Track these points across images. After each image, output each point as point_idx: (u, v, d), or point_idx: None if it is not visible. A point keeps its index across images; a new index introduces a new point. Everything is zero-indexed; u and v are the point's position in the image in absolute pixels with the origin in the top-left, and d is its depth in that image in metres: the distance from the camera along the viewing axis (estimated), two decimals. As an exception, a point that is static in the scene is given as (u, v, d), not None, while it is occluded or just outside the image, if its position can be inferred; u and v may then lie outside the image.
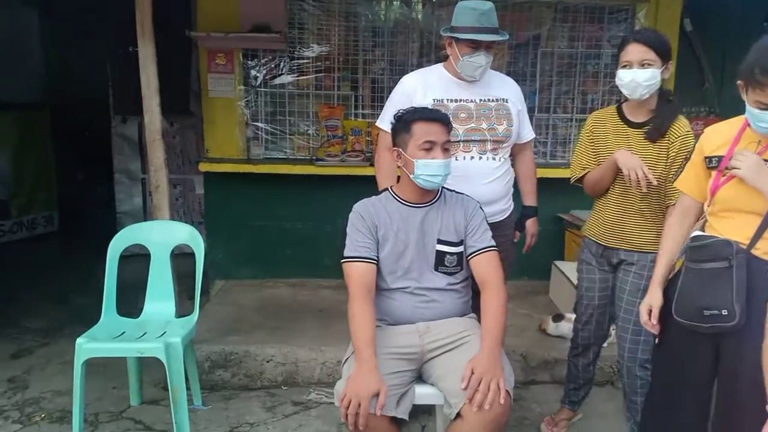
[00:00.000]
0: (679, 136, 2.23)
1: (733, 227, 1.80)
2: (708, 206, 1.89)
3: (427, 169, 2.07)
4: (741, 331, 1.74)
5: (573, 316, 3.41)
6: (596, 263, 2.50)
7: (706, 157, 1.88)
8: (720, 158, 1.83)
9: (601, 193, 2.43)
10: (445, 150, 2.11)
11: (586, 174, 2.43)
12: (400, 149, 2.14)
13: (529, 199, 2.72)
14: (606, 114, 2.42)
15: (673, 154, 2.23)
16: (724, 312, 1.73)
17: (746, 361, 1.73)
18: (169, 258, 2.88)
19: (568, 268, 3.90)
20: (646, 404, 2.21)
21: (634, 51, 2.17)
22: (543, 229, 4.22)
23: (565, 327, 3.38)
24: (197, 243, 2.81)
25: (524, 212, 2.71)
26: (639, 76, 2.17)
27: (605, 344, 2.76)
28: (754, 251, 1.75)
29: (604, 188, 2.40)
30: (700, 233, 1.85)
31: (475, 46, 2.34)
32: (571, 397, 2.75)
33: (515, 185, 2.68)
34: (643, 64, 2.17)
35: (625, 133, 2.33)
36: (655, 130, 2.24)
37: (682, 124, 2.25)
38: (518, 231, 2.69)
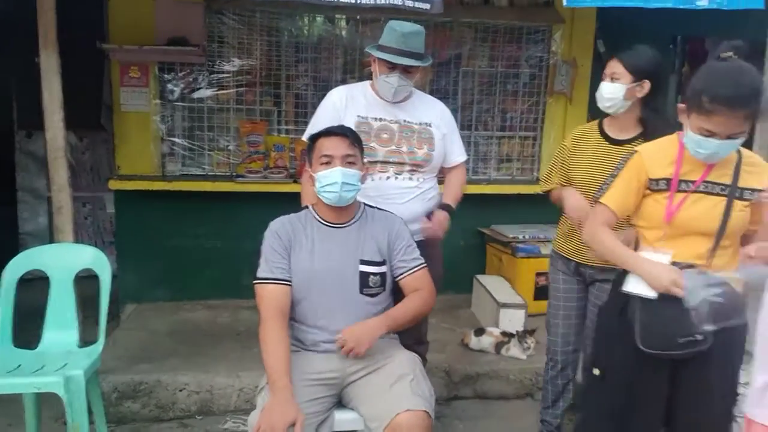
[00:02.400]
0: None
1: (688, 248, 1.82)
2: (663, 229, 1.85)
3: (324, 179, 2.04)
4: (704, 355, 1.76)
5: (494, 330, 3.46)
6: (571, 275, 2.47)
7: (650, 179, 1.87)
8: (668, 180, 1.84)
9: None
10: (349, 163, 2.06)
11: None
12: (309, 168, 2.11)
13: (448, 198, 2.56)
14: (587, 129, 2.43)
15: None
16: (699, 337, 1.73)
17: (709, 390, 1.79)
18: (72, 283, 2.69)
19: (490, 281, 3.97)
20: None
21: (609, 65, 2.26)
22: (465, 243, 4.35)
23: (486, 341, 3.42)
24: (102, 266, 2.63)
25: (439, 204, 2.55)
26: (603, 89, 2.25)
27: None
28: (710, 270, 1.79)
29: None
30: (683, 264, 1.82)
31: (392, 66, 2.32)
32: (551, 425, 2.61)
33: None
34: (612, 78, 2.23)
35: (604, 149, 2.34)
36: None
37: None
38: (426, 218, 2.48)
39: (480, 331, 3.47)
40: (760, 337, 1.35)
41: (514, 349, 3.36)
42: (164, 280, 4.01)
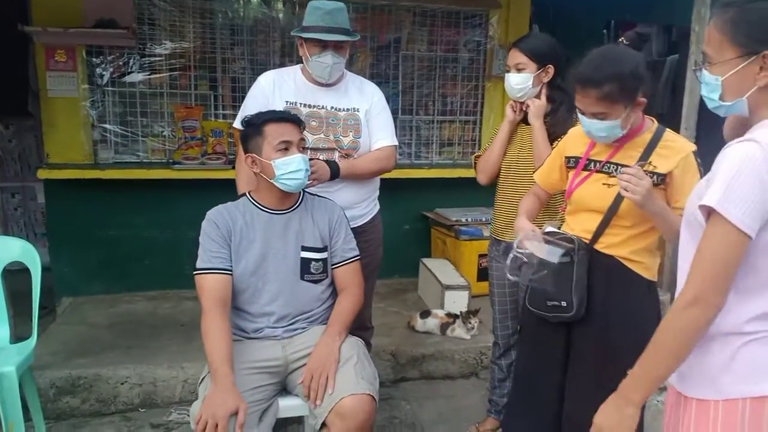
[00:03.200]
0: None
1: (580, 224, 1.91)
2: (564, 207, 1.99)
3: (287, 167, 2.00)
4: (586, 320, 1.87)
5: (439, 312, 3.53)
6: (501, 258, 2.49)
7: (566, 157, 1.99)
8: (577, 159, 1.94)
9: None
10: (303, 149, 2.07)
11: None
12: (254, 154, 2.05)
13: (344, 163, 2.38)
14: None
15: None
16: (563, 303, 1.85)
17: (592, 341, 1.86)
18: (0, 277, 2.57)
19: (435, 264, 4.02)
20: (511, 389, 2.30)
21: (511, 56, 2.32)
22: (410, 227, 4.39)
23: (432, 323, 3.47)
24: (32, 259, 2.52)
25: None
26: (511, 80, 2.31)
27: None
28: (596, 246, 1.87)
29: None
30: (553, 229, 1.95)
31: (323, 45, 2.28)
32: (498, 405, 2.66)
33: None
34: (517, 68, 2.28)
35: (522, 131, 2.42)
36: (549, 133, 2.31)
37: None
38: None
39: (426, 314, 3.52)
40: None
41: (458, 330, 3.43)
42: (101, 272, 3.87)
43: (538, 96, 2.33)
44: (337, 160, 2.37)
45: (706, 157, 1.57)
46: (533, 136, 2.32)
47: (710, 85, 1.29)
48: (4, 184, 4.75)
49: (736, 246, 1.17)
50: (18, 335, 2.61)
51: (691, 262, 1.23)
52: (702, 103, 1.63)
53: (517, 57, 2.29)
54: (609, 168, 1.86)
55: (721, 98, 1.29)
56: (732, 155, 1.19)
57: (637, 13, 5.19)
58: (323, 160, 2.33)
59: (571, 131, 2.04)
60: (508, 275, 1.87)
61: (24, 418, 2.37)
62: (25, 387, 2.44)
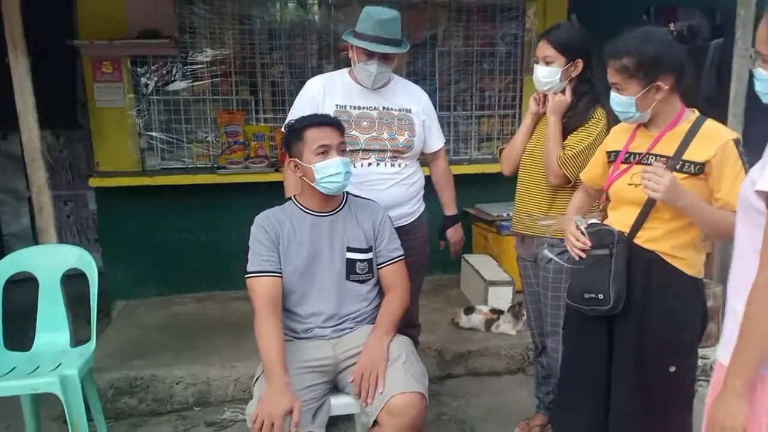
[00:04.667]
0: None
1: (620, 217, 1.90)
2: (603, 199, 1.99)
3: (326, 170, 2.03)
4: (624, 315, 1.85)
5: (483, 308, 3.52)
6: (525, 256, 2.50)
7: (607, 152, 1.99)
8: (617, 153, 1.93)
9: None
10: (342, 152, 2.09)
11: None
12: (296, 159, 2.09)
13: (449, 209, 2.72)
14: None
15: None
16: (600, 296, 1.84)
17: (631, 337, 1.84)
18: (60, 283, 2.68)
19: (476, 260, 4.02)
20: (558, 383, 2.30)
21: (540, 48, 2.27)
22: None
23: (476, 319, 3.47)
24: (89, 265, 2.62)
25: (445, 222, 2.72)
26: (538, 73, 2.27)
27: None
28: (635, 240, 1.85)
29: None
30: (594, 221, 1.94)
31: (369, 54, 2.30)
32: (544, 402, 2.64)
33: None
34: (546, 61, 2.25)
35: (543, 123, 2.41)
36: (568, 124, 2.29)
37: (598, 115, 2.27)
38: (441, 240, 2.72)
39: (469, 310, 3.52)
40: (728, 286, 1.42)
41: (503, 326, 3.42)
42: (152, 276, 4.00)
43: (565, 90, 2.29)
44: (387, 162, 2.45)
45: (756, 144, 1.54)
46: (546, 130, 2.30)
47: (765, 81, 1.31)
48: (57, 193, 4.91)
49: None
50: (76, 338, 2.71)
51: (761, 245, 1.23)
52: (750, 89, 1.62)
53: (545, 49, 2.24)
54: (648, 159, 1.84)
55: None
56: None
57: (679, -1, 5.08)
58: (448, 227, 2.72)
59: (614, 128, 2.03)
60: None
61: (86, 417, 2.46)
62: (87, 388, 2.54)
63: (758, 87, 1.34)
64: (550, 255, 2.24)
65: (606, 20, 4.24)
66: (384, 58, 2.32)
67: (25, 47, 2.76)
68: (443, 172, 2.70)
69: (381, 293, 2.23)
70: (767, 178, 1.20)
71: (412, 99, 2.52)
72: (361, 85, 2.42)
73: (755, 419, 1.30)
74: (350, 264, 2.13)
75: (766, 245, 1.23)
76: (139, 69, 3.88)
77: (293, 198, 2.20)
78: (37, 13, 2.84)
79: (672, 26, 1.64)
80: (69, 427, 2.38)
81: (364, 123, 2.40)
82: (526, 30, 4.30)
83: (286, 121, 2.29)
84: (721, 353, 1.41)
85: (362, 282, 2.15)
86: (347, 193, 2.21)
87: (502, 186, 4.17)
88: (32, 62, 2.82)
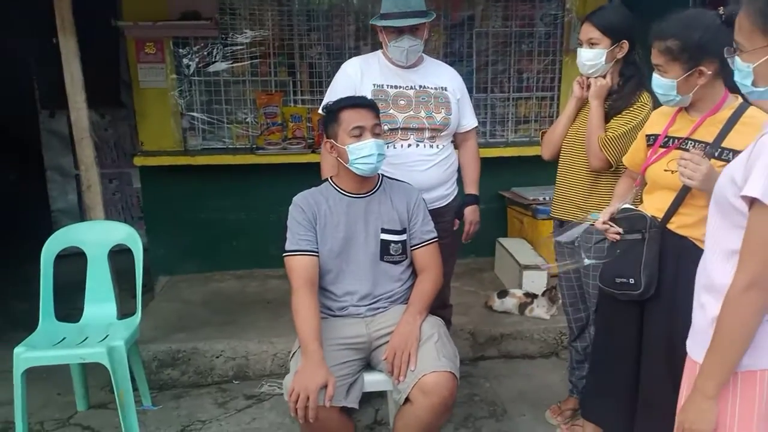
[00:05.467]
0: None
1: (654, 202, 1.89)
2: (638, 182, 1.98)
3: (360, 152, 2.07)
4: (655, 301, 1.84)
5: (517, 291, 3.53)
6: (564, 241, 2.44)
7: (647, 135, 1.98)
8: (656, 136, 1.92)
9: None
10: (376, 134, 2.11)
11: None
12: (332, 140, 2.13)
13: (471, 188, 2.70)
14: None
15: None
16: (631, 281, 1.84)
17: (662, 323, 1.84)
18: (107, 259, 2.80)
19: (511, 244, 4.01)
20: (588, 368, 2.32)
21: (583, 30, 2.24)
22: (486, 207, 4.29)
23: (510, 302, 3.48)
24: (135, 242, 2.73)
25: (465, 200, 2.70)
26: (582, 56, 2.25)
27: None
28: (669, 225, 1.84)
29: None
30: (627, 206, 1.94)
31: (399, 30, 2.33)
32: (577, 387, 2.63)
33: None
34: (590, 43, 2.22)
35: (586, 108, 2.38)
36: (612, 107, 2.27)
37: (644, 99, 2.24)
38: (457, 219, 2.67)
39: (503, 293, 3.53)
40: (697, 281, 1.44)
41: (537, 310, 3.42)
42: (193, 253, 4.11)
43: (612, 71, 2.26)
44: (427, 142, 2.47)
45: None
46: (589, 115, 2.28)
47: (743, 71, 1.31)
48: (103, 171, 5.07)
49: None
50: (122, 312, 2.83)
51: (740, 249, 1.25)
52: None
53: (590, 32, 2.21)
54: (687, 145, 1.81)
55: (753, 84, 1.31)
56: None
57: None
58: (467, 205, 2.66)
59: (655, 111, 2.00)
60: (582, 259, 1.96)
61: (132, 387, 2.59)
62: (132, 360, 2.66)
63: (736, 77, 1.33)
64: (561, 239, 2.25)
65: (650, 1, 4.14)
66: (412, 31, 2.34)
67: (74, 28, 2.86)
68: (472, 152, 2.70)
69: (414, 274, 2.26)
70: (756, 185, 1.20)
71: (446, 77, 2.54)
72: (396, 65, 2.45)
73: (725, 418, 1.32)
74: (384, 245, 2.17)
75: (747, 248, 1.24)
76: (181, 50, 3.96)
77: (330, 179, 2.24)
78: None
79: (722, 10, 1.59)
80: (115, 396, 2.50)
81: (402, 102, 2.43)
82: (566, 10, 4.22)
83: (323, 103, 2.33)
84: (691, 347, 1.43)
85: (396, 263, 2.19)
86: (382, 175, 2.25)
87: (539, 170, 4.14)
88: (78, 42, 2.92)
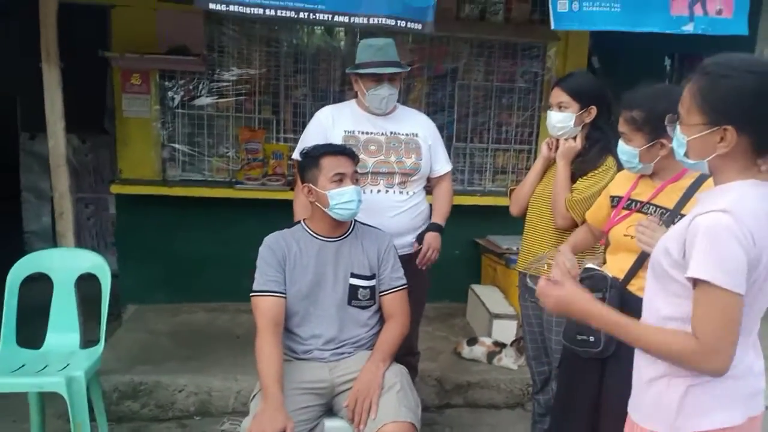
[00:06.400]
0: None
1: (617, 263, 1.94)
2: (603, 242, 2.04)
3: (341, 197, 2.11)
4: (615, 360, 1.87)
5: (486, 340, 3.54)
6: (526, 294, 2.52)
7: (610, 196, 2.04)
8: (620, 198, 1.99)
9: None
10: (356, 180, 2.17)
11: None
12: (311, 184, 2.17)
13: (437, 218, 2.65)
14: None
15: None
16: (591, 339, 1.88)
17: (621, 381, 1.83)
18: (73, 287, 2.77)
19: (484, 291, 4.05)
20: (549, 422, 2.33)
21: (554, 94, 2.34)
22: (461, 253, 4.41)
23: (479, 351, 3.49)
24: (103, 271, 2.71)
25: (428, 227, 2.63)
26: (552, 118, 2.33)
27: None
28: (629, 287, 1.88)
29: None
30: (590, 266, 1.98)
31: (378, 79, 2.42)
32: None
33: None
34: (560, 107, 2.31)
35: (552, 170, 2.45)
36: (578, 169, 2.34)
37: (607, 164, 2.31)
38: (417, 242, 2.59)
39: (473, 341, 3.54)
40: (637, 352, 1.48)
41: (505, 359, 3.43)
42: (165, 283, 4.08)
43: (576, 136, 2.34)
44: (396, 188, 2.50)
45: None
46: (556, 174, 2.35)
47: (679, 141, 1.37)
48: (80, 195, 5.06)
49: (736, 305, 1.24)
50: (86, 339, 2.78)
51: (692, 320, 1.28)
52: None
53: (559, 96, 2.31)
54: (648, 209, 1.88)
55: (685, 155, 1.37)
56: (708, 225, 1.24)
57: (700, 46, 5.10)
58: (429, 231, 2.57)
59: (619, 173, 2.08)
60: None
61: (89, 418, 2.52)
62: (92, 390, 2.61)
63: (674, 144, 1.40)
64: (533, 285, 2.26)
65: (627, 63, 4.31)
66: (391, 80, 2.43)
67: (58, 58, 2.88)
68: (445, 191, 2.71)
69: (382, 320, 2.28)
70: (698, 266, 1.23)
71: (417, 124, 2.61)
72: (370, 112, 2.52)
73: (663, 420, 1.35)
74: (353, 290, 2.19)
75: (700, 322, 1.26)
76: (166, 82, 4.01)
77: (302, 222, 2.27)
78: (74, 23, 2.96)
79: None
80: (72, 427, 2.45)
81: (372, 147, 2.49)
82: (546, 69, 4.37)
83: (297, 148, 2.37)
84: (631, 407, 1.47)
85: (363, 308, 2.21)
86: (355, 220, 2.28)
87: (514, 220, 4.19)
88: (65, 68, 2.94)
